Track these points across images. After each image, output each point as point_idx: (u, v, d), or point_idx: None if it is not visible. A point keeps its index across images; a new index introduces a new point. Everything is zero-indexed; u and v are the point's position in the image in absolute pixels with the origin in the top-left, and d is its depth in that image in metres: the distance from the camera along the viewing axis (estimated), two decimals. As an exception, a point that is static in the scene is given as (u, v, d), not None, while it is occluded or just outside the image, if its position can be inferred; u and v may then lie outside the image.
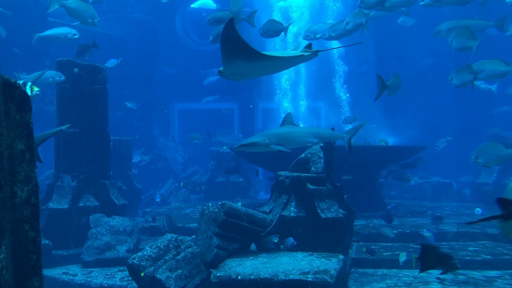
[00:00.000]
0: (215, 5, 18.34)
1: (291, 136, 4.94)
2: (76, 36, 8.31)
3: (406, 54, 16.10)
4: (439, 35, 7.90)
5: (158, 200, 13.65)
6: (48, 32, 8.59)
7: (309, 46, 4.27)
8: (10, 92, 2.19)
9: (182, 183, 13.85)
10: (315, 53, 4.20)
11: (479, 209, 9.23)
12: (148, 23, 18.07)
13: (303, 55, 4.10)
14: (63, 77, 7.97)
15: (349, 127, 13.24)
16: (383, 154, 10.78)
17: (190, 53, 18.08)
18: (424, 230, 7.46)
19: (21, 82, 5.11)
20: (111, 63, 11.77)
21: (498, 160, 6.42)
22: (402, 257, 6.48)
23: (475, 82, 7.10)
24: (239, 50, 3.26)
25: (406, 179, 10.66)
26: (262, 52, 3.42)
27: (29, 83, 5.32)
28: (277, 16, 15.77)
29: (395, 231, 8.33)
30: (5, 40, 12.12)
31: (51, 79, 7.88)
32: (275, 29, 7.97)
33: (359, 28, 7.51)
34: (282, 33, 8.18)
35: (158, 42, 18.15)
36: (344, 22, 7.59)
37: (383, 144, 11.64)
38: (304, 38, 8.44)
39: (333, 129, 6.06)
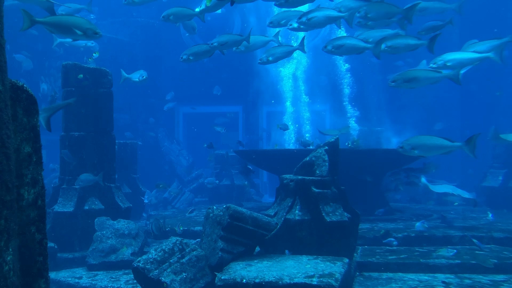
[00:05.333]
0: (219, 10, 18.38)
1: None
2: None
3: (412, 55, 16.04)
4: None
5: (146, 201, 13.16)
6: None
7: None
8: (17, 96, 2.20)
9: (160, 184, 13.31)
10: None
11: (490, 213, 9.25)
12: (153, 27, 18.15)
13: None
14: (145, 76, 8.86)
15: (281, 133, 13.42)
16: (388, 157, 10.74)
17: (194, 56, 18.15)
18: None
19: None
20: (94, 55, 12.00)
21: (439, 151, 6.71)
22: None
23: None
24: None
25: (414, 183, 10.56)
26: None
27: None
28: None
29: (400, 235, 8.29)
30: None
31: (137, 79, 8.95)
32: (232, 40, 7.92)
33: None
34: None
35: (163, 46, 18.23)
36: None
37: (349, 146, 11.32)
38: (268, 25, 8.59)
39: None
